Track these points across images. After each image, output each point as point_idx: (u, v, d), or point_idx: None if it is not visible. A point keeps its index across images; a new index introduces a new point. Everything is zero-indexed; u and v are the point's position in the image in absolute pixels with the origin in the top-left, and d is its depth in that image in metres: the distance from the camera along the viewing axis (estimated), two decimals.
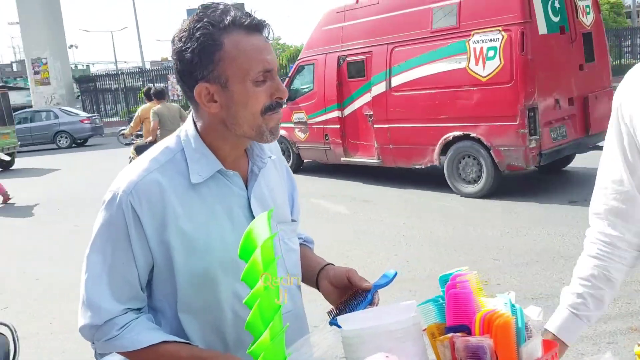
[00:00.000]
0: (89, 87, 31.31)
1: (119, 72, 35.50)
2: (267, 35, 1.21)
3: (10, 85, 59.18)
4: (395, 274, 1.28)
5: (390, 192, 8.05)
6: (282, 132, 9.28)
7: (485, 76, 6.81)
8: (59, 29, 29.00)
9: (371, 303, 1.20)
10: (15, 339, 2.11)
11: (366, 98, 8.24)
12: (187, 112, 8.45)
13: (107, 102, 31.67)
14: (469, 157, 7.18)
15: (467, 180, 7.28)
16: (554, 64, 6.81)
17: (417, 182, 8.29)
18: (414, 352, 1.06)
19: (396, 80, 7.76)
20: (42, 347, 4.06)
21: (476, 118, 6.95)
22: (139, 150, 8.99)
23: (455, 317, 1.06)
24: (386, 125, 8.01)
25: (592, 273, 1.24)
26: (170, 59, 1.26)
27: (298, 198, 1.57)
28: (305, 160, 10.10)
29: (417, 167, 7.87)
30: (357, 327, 1.06)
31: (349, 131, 8.71)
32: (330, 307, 1.29)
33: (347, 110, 8.64)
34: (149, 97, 9.28)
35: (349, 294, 1.26)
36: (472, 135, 7.02)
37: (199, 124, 1.28)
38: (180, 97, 23.62)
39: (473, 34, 6.89)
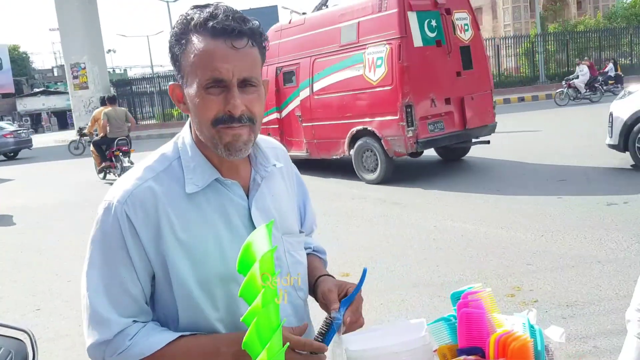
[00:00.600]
0: (125, 90, 31.93)
1: (155, 75, 36.13)
2: (240, 43, 1.12)
3: (51, 89, 60.96)
4: (364, 271, 1.22)
5: (419, 192, 7.93)
6: None
7: (375, 80, 8.72)
8: (96, 35, 29.62)
9: (338, 329, 1.12)
10: (34, 344, 2.10)
11: (296, 102, 10.17)
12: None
13: (143, 104, 32.21)
14: (369, 150, 8.97)
15: (368, 169, 9.10)
16: (429, 71, 8.60)
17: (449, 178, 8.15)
18: None
19: (317, 86, 9.73)
20: (71, 348, 4.10)
21: (371, 114, 8.85)
22: (96, 144, 12.02)
23: (468, 338, 0.98)
24: (311, 124, 9.93)
25: None
26: None
27: (311, 206, 1.50)
28: None
29: (334, 157, 9.77)
30: (363, 347, 0.99)
31: (285, 130, 10.56)
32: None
33: (284, 113, 10.53)
34: (103, 102, 12.25)
35: (323, 321, 1.18)
36: (368, 128, 8.88)
37: (192, 129, 1.24)
38: None
39: (368, 47, 8.81)
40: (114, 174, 11.97)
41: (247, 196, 1.25)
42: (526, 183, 7.91)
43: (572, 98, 19.89)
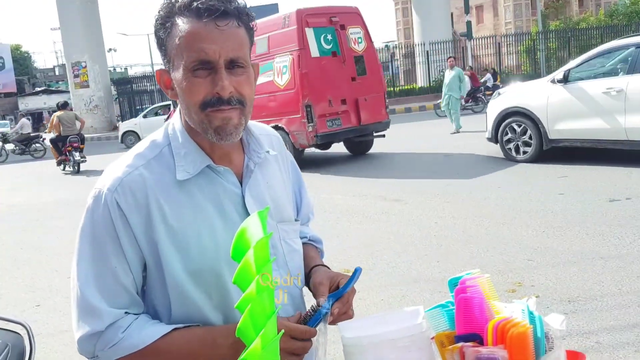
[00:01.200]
0: (125, 89, 31.94)
1: (155, 74, 36.12)
2: (226, 23, 1.09)
3: (53, 88, 61.01)
4: (357, 270, 1.20)
5: (421, 185, 7.92)
6: None
7: (282, 85, 10.68)
8: (97, 34, 29.66)
9: (324, 318, 1.10)
10: (31, 338, 2.09)
11: None
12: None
13: (143, 102, 32.19)
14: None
15: None
16: (326, 76, 10.52)
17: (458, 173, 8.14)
18: None
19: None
20: (71, 344, 4.08)
21: (280, 113, 10.71)
22: (52, 142, 14.81)
23: (465, 325, 0.96)
24: None
25: None
26: None
27: (307, 194, 1.47)
28: None
29: None
30: (358, 334, 0.97)
31: None
32: None
33: None
34: (57, 108, 15.09)
35: (310, 307, 1.16)
36: (279, 125, 10.48)
37: (182, 115, 1.21)
38: None
39: (276, 57, 10.79)
40: (69, 167, 14.44)
41: (241, 184, 1.22)
42: (530, 180, 7.88)
43: None
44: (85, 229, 1.17)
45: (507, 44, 30.98)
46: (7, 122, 37.76)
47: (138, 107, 31.29)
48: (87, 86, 28.92)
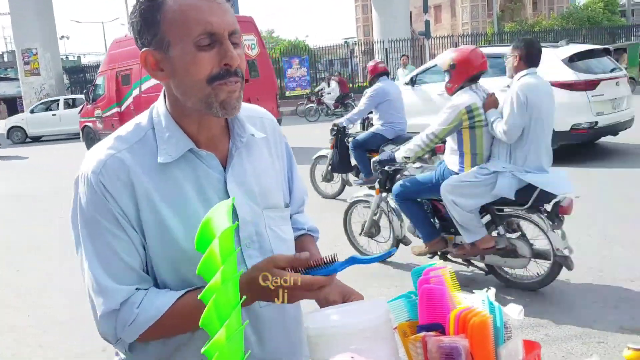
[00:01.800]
0: (78, 77, 31.02)
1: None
2: None
3: (1, 75, 58.75)
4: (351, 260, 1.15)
5: None
6: (89, 124, 15.31)
7: None
8: (49, 20, 28.69)
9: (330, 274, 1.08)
10: None
11: (131, 99, 12.93)
12: None
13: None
14: None
15: None
16: None
17: None
18: (384, 352, 0.98)
19: (144, 87, 12.30)
20: (19, 341, 3.96)
21: None
22: None
23: (428, 315, 0.98)
24: None
25: None
26: None
27: (299, 176, 1.45)
28: None
29: None
30: (322, 325, 0.97)
31: (124, 121, 13.94)
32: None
33: (123, 107, 13.31)
34: None
35: (325, 257, 1.12)
36: None
37: (167, 100, 1.19)
38: None
39: None
40: None
41: (225, 169, 1.21)
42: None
43: (326, 114, 19.34)
44: (77, 215, 1.16)
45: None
46: None
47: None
48: (38, 74, 27.97)
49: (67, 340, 3.86)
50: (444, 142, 4.11)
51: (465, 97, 3.90)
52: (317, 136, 13.10)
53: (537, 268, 4.05)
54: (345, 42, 37.34)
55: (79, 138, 16.23)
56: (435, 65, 9.70)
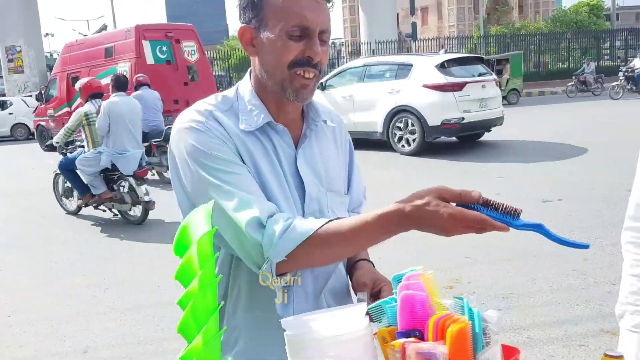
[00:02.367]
0: None
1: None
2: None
3: None
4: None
5: None
6: (42, 123, 16.54)
7: None
8: (34, 17, 28.42)
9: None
10: None
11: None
12: None
13: None
14: None
15: None
16: (160, 81, 12.25)
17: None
18: (363, 358, 0.97)
19: None
20: None
21: None
22: None
23: (408, 321, 0.97)
24: None
25: None
26: None
27: (359, 178, 1.51)
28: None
29: None
30: (301, 331, 0.96)
31: None
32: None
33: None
34: None
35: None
36: None
37: (252, 75, 1.31)
38: None
39: (119, 62, 13.62)
40: None
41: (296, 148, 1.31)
42: (465, 179, 8.10)
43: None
44: (192, 152, 1.21)
45: (450, 47, 31.71)
46: None
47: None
48: (22, 72, 27.69)
49: (47, 340, 3.82)
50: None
51: (86, 107, 6.86)
52: None
53: (137, 210, 6.89)
54: (333, 42, 37.37)
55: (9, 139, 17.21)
56: (342, 72, 12.15)
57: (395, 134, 10.80)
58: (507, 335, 3.43)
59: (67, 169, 6.98)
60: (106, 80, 13.18)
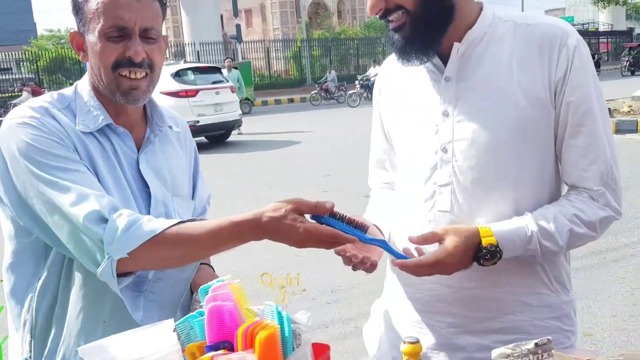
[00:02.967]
0: None
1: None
2: None
3: None
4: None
5: None
6: None
7: None
8: None
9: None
10: None
11: None
12: None
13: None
14: None
15: None
16: None
17: None
18: None
19: None
20: None
21: None
22: None
23: (218, 334, 0.95)
24: None
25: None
26: None
27: (204, 184, 1.48)
28: None
29: None
30: (102, 358, 0.89)
31: None
32: None
33: None
34: None
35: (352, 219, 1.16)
36: None
37: (89, 78, 1.27)
38: None
39: None
40: None
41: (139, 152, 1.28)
42: (294, 180, 8.32)
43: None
44: (24, 149, 1.12)
45: (275, 49, 32.34)
46: None
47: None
48: None
49: None
50: None
51: None
52: None
53: None
54: None
55: None
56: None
57: None
58: (336, 327, 3.58)
59: None
60: None
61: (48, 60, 27.95)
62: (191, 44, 28.06)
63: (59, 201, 1.09)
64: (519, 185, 1.18)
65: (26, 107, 1.19)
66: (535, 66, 1.15)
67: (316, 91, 22.65)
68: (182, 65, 12.53)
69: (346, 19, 57.30)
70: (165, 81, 10.93)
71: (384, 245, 1.17)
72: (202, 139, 12.44)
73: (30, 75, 26.65)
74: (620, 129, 10.85)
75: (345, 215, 1.10)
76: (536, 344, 0.92)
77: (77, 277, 1.18)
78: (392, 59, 1.33)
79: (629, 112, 12.31)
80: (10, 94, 23.11)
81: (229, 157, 11.01)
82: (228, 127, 12.52)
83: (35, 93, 18.75)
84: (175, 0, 35.63)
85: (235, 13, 28.87)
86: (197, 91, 11.72)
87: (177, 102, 11.07)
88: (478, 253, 1.11)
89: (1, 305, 0.86)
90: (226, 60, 15.72)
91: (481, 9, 1.22)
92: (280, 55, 32.68)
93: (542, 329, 1.14)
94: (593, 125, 1.15)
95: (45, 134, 1.14)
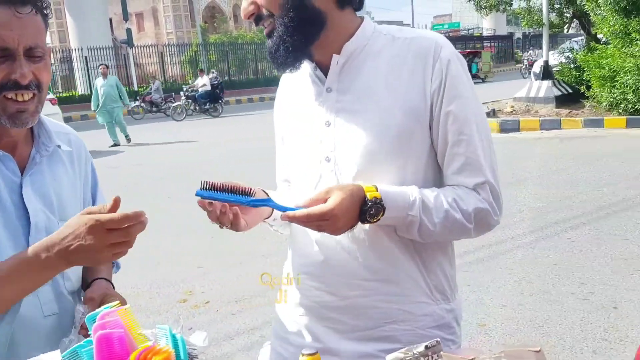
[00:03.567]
0: None
1: None
2: (24, 10, 1.09)
3: None
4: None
5: None
6: None
7: None
8: None
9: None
10: None
11: None
12: None
13: None
14: None
15: None
16: None
17: None
18: None
19: None
20: None
21: None
22: None
23: None
24: None
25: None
26: None
27: (103, 199, 1.41)
28: None
29: None
30: None
31: None
32: None
33: None
34: None
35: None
36: None
37: None
38: None
39: None
40: None
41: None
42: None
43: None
44: None
45: (169, 54, 31.52)
46: None
47: None
48: None
49: None
50: None
51: None
52: None
53: None
54: None
55: None
56: None
57: None
58: (242, 338, 3.54)
59: None
60: None
61: None
62: (78, 49, 26.73)
63: None
64: None
65: None
66: (411, 78, 1.21)
67: (137, 104, 20.37)
68: None
69: (242, 24, 57.02)
70: None
71: (269, 202, 1.19)
72: None
73: None
74: (504, 128, 11.67)
75: (229, 185, 1.14)
76: (426, 347, 0.96)
77: None
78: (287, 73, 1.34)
79: (511, 112, 13.23)
80: None
81: None
82: None
83: None
84: (60, 3, 33.79)
85: (125, 17, 27.82)
86: None
87: None
88: (363, 207, 1.14)
89: None
90: (100, 67, 14.51)
91: (362, 22, 1.26)
92: (175, 60, 31.87)
93: (423, 338, 1.18)
94: (471, 132, 1.21)
95: None
